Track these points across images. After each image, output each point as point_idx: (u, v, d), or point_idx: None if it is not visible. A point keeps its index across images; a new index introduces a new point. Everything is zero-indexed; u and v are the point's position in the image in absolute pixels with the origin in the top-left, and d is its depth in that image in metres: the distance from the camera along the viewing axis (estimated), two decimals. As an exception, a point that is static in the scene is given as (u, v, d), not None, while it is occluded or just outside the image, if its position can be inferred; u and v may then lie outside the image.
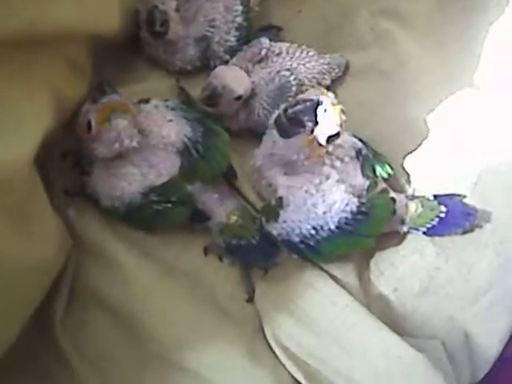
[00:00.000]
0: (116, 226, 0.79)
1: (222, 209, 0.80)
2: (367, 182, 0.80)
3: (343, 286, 0.78)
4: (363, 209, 0.76)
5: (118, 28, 0.83)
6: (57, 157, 0.82)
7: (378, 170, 0.82)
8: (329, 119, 0.72)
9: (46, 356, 0.73)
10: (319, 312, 0.77)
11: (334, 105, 0.73)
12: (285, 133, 0.75)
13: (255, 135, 0.84)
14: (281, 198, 0.77)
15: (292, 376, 0.74)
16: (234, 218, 0.79)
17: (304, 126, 0.73)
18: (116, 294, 0.76)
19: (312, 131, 0.73)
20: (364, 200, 0.77)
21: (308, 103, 0.73)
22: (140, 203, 0.77)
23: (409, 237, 0.82)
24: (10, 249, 0.61)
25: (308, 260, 0.79)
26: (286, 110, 0.74)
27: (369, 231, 0.77)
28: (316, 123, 0.72)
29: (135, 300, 0.76)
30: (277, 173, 0.79)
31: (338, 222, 0.76)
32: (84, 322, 0.75)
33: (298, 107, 0.73)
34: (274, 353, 0.76)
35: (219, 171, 0.80)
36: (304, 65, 0.89)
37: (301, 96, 0.75)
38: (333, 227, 0.76)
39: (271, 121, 0.78)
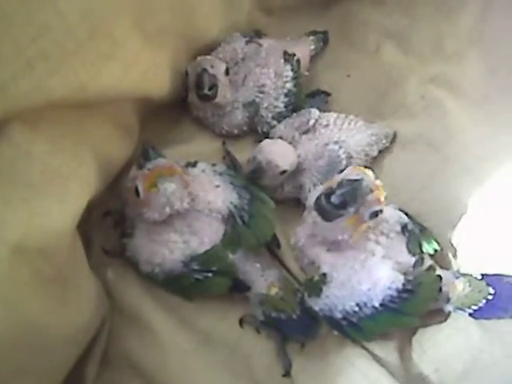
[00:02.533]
0: (154, 291, 0.78)
1: (262, 279, 0.78)
2: (413, 259, 0.78)
3: (384, 365, 0.76)
4: (409, 287, 0.74)
5: (167, 90, 0.84)
6: (97, 215, 0.82)
7: (425, 246, 0.80)
8: (373, 198, 0.71)
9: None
10: (359, 393, 0.74)
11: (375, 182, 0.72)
12: (328, 217, 0.73)
13: (300, 204, 0.83)
14: (324, 275, 0.75)
15: None
16: (274, 290, 0.77)
17: (348, 208, 0.71)
18: (151, 362, 0.75)
19: (356, 211, 0.71)
20: (410, 277, 0.75)
21: (353, 184, 0.71)
22: (180, 272, 0.76)
23: (453, 315, 0.79)
24: (45, 318, 0.61)
25: (349, 337, 0.76)
26: (327, 195, 0.72)
27: (414, 310, 0.74)
28: (361, 203, 0.71)
29: (169, 369, 0.74)
30: (320, 251, 0.77)
31: (383, 299, 0.73)
32: None
33: (343, 190, 0.71)
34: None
35: (263, 240, 0.79)
36: (352, 137, 0.87)
37: (342, 177, 0.73)
38: (377, 304, 0.73)
39: (310, 202, 0.76)
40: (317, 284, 0.75)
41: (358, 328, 0.74)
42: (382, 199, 0.72)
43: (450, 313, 0.79)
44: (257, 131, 0.92)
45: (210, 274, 0.75)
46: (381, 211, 0.72)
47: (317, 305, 0.75)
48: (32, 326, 0.59)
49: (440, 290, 0.75)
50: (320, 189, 0.76)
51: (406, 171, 0.89)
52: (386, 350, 0.76)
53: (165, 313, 0.77)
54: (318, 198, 0.74)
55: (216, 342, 0.77)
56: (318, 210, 0.74)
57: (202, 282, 0.76)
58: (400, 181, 0.85)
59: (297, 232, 0.80)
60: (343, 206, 0.71)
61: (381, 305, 0.73)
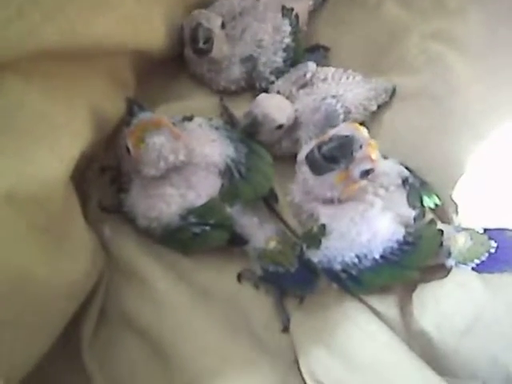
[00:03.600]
0: (151, 246, 0.78)
1: (261, 233, 0.77)
2: (414, 212, 0.76)
3: (384, 320, 0.74)
4: (410, 239, 0.72)
5: (162, 44, 0.83)
6: (95, 171, 0.81)
7: (426, 199, 0.79)
8: (364, 155, 0.70)
9: (71, 375, 0.71)
10: (357, 347, 0.73)
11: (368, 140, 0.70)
12: (318, 170, 0.72)
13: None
14: (323, 226, 0.74)
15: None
16: (272, 244, 0.77)
17: (338, 163, 0.70)
18: (147, 317, 0.74)
19: (346, 167, 0.70)
20: (411, 230, 0.74)
21: (343, 139, 0.70)
22: (177, 225, 0.75)
23: (454, 270, 0.77)
24: (40, 268, 0.60)
25: (348, 290, 0.75)
26: (319, 147, 0.71)
27: (414, 263, 0.73)
28: (350, 159, 0.70)
29: (167, 324, 0.73)
30: (317, 205, 0.76)
31: (383, 251, 0.72)
32: (112, 342, 0.74)
33: (333, 144, 0.70)
34: (307, 386, 0.73)
35: (261, 193, 0.78)
36: (351, 91, 0.86)
37: (334, 132, 0.72)
38: (377, 256, 0.72)
39: (301, 157, 0.75)
40: (316, 235, 0.74)
41: (357, 280, 0.73)
42: (374, 157, 0.70)
43: (451, 268, 0.77)
44: (255, 87, 0.90)
45: (207, 228, 0.75)
46: (372, 170, 0.71)
47: (316, 256, 0.74)
48: (24, 276, 0.58)
49: (441, 244, 0.74)
50: (312, 143, 0.75)
51: (405, 126, 0.88)
52: (386, 305, 0.75)
53: (162, 268, 0.76)
54: (311, 151, 0.72)
55: (214, 296, 0.77)
56: (310, 162, 0.72)
57: (199, 236, 0.75)
58: (400, 136, 0.84)
59: (291, 189, 0.79)
60: (333, 159, 0.70)
61: (381, 257, 0.72)
